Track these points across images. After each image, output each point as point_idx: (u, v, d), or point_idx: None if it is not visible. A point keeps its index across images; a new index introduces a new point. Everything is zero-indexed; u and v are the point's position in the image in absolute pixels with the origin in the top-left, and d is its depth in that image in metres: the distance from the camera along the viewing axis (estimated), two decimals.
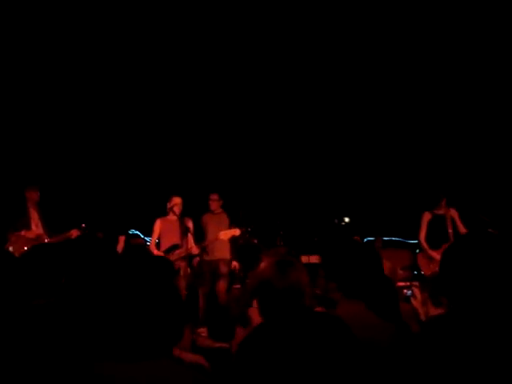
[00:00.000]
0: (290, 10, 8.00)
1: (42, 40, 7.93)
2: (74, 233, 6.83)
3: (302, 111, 9.41)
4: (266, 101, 9.28)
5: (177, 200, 6.75)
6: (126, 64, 8.62)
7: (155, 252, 6.53)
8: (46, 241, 6.64)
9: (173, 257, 6.26)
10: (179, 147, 9.51)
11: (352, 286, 2.29)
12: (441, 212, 6.92)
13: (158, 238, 6.88)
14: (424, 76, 8.65)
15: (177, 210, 6.64)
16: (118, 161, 9.34)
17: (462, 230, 6.87)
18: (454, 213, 6.92)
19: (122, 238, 7.46)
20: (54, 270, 2.25)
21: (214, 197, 7.26)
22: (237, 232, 6.73)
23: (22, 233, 6.60)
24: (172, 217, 6.71)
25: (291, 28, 8.27)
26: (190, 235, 6.54)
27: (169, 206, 6.74)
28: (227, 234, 6.68)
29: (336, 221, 10.42)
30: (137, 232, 8.56)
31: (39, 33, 7.84)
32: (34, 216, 6.88)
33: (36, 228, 6.80)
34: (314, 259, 7.75)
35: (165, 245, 6.64)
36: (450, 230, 6.82)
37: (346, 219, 10.57)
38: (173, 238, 6.59)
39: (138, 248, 7.79)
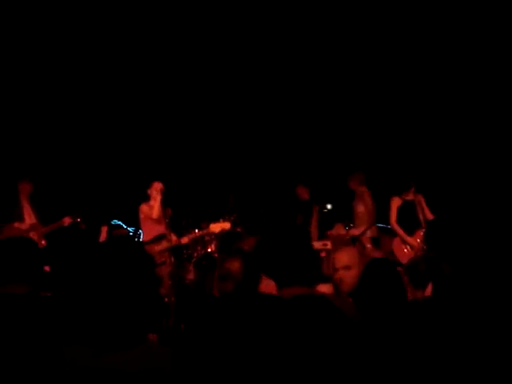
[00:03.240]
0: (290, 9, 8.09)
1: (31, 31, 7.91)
2: (67, 220, 6.91)
3: (281, 97, 9.43)
4: (249, 87, 9.28)
5: (158, 185, 6.52)
6: (112, 58, 8.59)
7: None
8: (40, 230, 6.69)
9: (159, 247, 6.16)
10: (164, 133, 9.48)
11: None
12: (409, 198, 6.97)
13: (140, 227, 6.77)
14: (399, 66, 8.71)
15: (160, 196, 6.41)
16: (99, 152, 9.28)
17: (429, 215, 6.92)
18: (421, 198, 6.98)
19: (104, 229, 7.44)
20: (35, 259, 2.26)
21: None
22: (227, 226, 6.56)
23: (16, 224, 6.63)
24: (154, 203, 6.46)
25: (289, 23, 8.34)
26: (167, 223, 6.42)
27: (149, 192, 6.52)
28: (217, 227, 6.51)
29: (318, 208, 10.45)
30: (119, 222, 8.52)
31: (33, 26, 7.82)
32: (27, 207, 6.91)
33: (29, 218, 6.84)
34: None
35: (149, 234, 6.45)
36: (421, 216, 6.89)
37: (329, 206, 10.62)
38: (157, 227, 6.46)
39: (120, 238, 7.77)
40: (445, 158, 8.59)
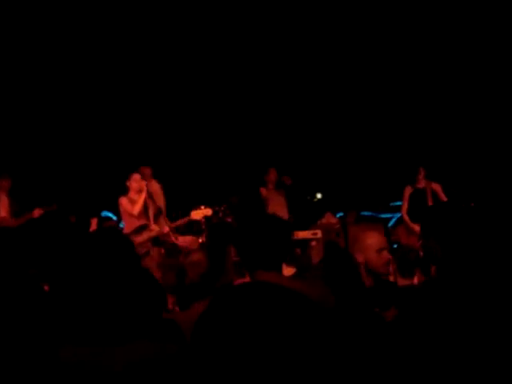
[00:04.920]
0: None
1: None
2: (36, 212, 6.81)
3: (277, 88, 9.41)
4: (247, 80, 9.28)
5: (138, 177, 6.45)
6: (96, 52, 8.51)
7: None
8: (8, 223, 6.59)
9: (140, 238, 6.11)
10: (156, 125, 9.44)
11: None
12: (421, 186, 7.00)
13: (121, 219, 6.70)
14: (401, 52, 8.72)
15: (145, 192, 6.35)
16: (88, 143, 9.22)
17: None
18: (436, 186, 6.99)
19: (94, 221, 7.40)
20: (13, 254, 2.24)
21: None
22: (208, 212, 6.64)
23: None
24: (137, 198, 6.38)
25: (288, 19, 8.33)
26: (151, 214, 6.40)
27: (128, 184, 6.43)
28: (198, 213, 6.55)
29: (308, 197, 10.47)
30: (109, 214, 8.48)
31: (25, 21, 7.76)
32: (4, 202, 6.85)
33: (4, 213, 6.78)
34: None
35: (130, 226, 6.33)
36: (431, 204, 6.90)
37: (319, 195, 10.64)
38: (138, 220, 6.34)
39: (109, 230, 7.72)
40: (450, 149, 8.66)
